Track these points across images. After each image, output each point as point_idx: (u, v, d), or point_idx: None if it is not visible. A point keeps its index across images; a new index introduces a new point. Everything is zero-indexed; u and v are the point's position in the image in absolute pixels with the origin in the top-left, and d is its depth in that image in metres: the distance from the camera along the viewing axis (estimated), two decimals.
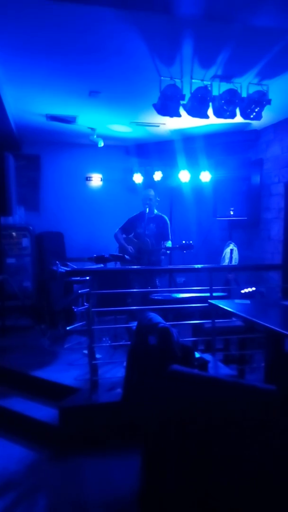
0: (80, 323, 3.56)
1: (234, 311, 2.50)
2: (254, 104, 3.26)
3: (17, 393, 3.45)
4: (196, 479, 1.61)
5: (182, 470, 1.67)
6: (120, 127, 4.91)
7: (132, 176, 5.84)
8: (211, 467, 1.59)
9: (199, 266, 3.88)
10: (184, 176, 5.54)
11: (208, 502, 1.60)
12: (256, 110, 3.30)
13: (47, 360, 3.88)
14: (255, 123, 4.64)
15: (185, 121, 4.31)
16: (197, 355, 2.83)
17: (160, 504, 1.70)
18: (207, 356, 3.31)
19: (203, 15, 2.16)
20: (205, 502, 1.60)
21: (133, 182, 5.84)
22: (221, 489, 1.58)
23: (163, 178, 5.81)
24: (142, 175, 5.83)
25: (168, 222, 4.85)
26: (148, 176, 5.81)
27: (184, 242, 4.33)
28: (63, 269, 3.81)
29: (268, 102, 3.26)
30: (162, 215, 4.86)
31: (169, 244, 4.68)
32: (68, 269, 3.74)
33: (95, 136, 4.86)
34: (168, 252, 4.78)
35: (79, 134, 5.14)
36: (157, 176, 5.79)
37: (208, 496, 1.60)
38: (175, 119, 3.97)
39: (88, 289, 3.37)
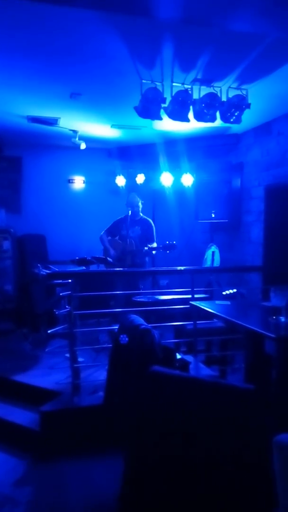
0: (62, 326, 3.53)
1: (215, 311, 2.53)
2: (234, 108, 3.31)
3: None
4: (177, 479, 1.61)
5: (163, 471, 1.67)
6: (102, 129, 4.91)
7: (114, 178, 5.84)
8: (191, 467, 1.60)
9: (182, 268, 3.90)
10: (166, 179, 5.56)
11: (189, 503, 1.61)
12: (236, 114, 3.35)
13: (29, 364, 3.83)
14: (236, 127, 4.71)
15: (166, 124, 4.34)
16: (178, 356, 2.84)
17: (141, 507, 1.69)
18: (189, 358, 3.33)
19: (182, 19, 2.19)
20: (186, 503, 1.61)
21: (116, 184, 5.84)
22: (202, 490, 1.59)
23: (145, 180, 5.83)
24: (125, 177, 5.84)
25: (153, 225, 4.87)
26: (130, 179, 5.82)
27: (167, 242, 4.35)
28: (44, 271, 3.78)
29: (248, 106, 3.32)
30: (147, 218, 4.88)
31: (154, 245, 4.69)
32: (49, 271, 3.70)
33: (77, 139, 4.84)
34: (154, 252, 4.78)
35: (61, 136, 5.11)
36: (140, 178, 5.80)
37: (190, 497, 1.61)
38: (156, 122, 4.01)
39: (70, 292, 3.35)
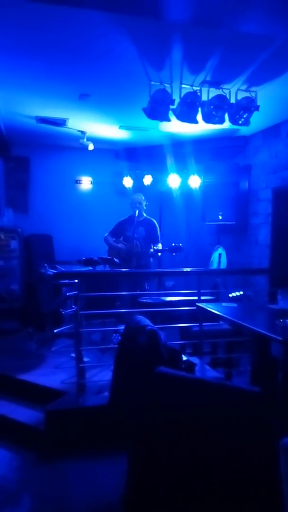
0: (68, 326, 3.54)
1: (221, 314, 2.52)
2: (242, 110, 3.31)
3: (3, 397, 3.40)
4: (182, 480, 1.61)
5: (168, 472, 1.67)
6: (110, 130, 4.93)
7: (122, 179, 5.85)
8: (197, 468, 1.60)
9: (188, 269, 3.90)
10: (173, 180, 5.57)
11: (193, 503, 1.61)
12: (245, 116, 3.35)
13: (34, 363, 3.85)
14: (244, 129, 4.70)
15: (174, 126, 4.35)
16: (184, 358, 2.84)
17: (145, 506, 1.69)
18: (195, 359, 3.32)
19: (191, 20, 2.19)
20: (191, 503, 1.60)
21: (123, 185, 5.85)
22: (207, 491, 1.58)
23: (153, 182, 5.83)
24: (132, 179, 5.85)
25: (157, 225, 4.87)
26: (138, 180, 5.83)
27: (173, 244, 4.35)
28: (51, 271, 3.79)
29: (257, 108, 3.31)
30: (151, 218, 4.88)
31: (159, 246, 4.70)
32: (56, 271, 3.72)
33: (85, 139, 4.86)
34: (159, 254, 4.79)
35: (69, 137, 5.14)
36: (147, 180, 5.81)
37: (194, 498, 1.61)
38: (164, 123, 4.01)
39: (76, 292, 3.36)
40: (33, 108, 4.14)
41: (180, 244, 4.33)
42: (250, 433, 1.51)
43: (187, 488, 1.60)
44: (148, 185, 5.80)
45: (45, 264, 4.16)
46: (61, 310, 3.54)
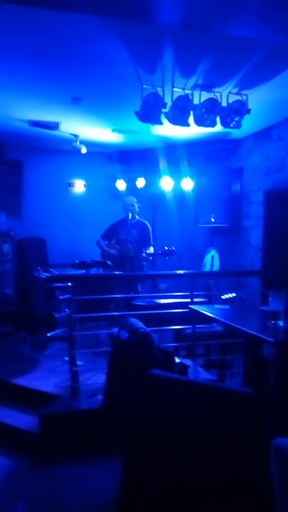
0: (61, 329, 3.54)
1: (214, 315, 2.53)
2: (234, 113, 3.34)
3: None
4: (175, 482, 1.61)
5: (161, 475, 1.67)
6: (102, 133, 4.94)
7: (115, 182, 5.86)
8: (190, 470, 1.60)
9: (181, 272, 3.91)
10: (166, 183, 5.59)
11: (187, 505, 1.61)
12: (236, 119, 3.38)
13: (27, 367, 3.83)
14: (236, 132, 4.74)
15: (167, 129, 4.37)
16: (177, 360, 2.84)
17: (138, 509, 1.69)
18: (188, 362, 3.34)
19: (182, 24, 2.22)
20: (184, 506, 1.61)
21: (116, 188, 5.86)
22: (200, 492, 1.59)
23: (146, 185, 5.85)
24: (125, 181, 5.86)
25: (150, 227, 4.88)
26: (131, 183, 5.84)
27: (166, 248, 4.36)
28: (44, 275, 3.78)
29: (248, 111, 3.34)
30: (144, 221, 4.89)
31: (151, 249, 4.71)
32: (49, 275, 3.71)
33: (77, 143, 4.87)
34: (150, 258, 4.81)
35: (62, 141, 5.14)
36: (140, 183, 5.83)
37: (188, 500, 1.61)
38: (157, 126, 4.03)
39: (69, 295, 3.36)
40: (25, 111, 4.14)
41: (173, 248, 4.35)
42: (242, 434, 1.52)
43: (181, 490, 1.61)
44: (141, 188, 5.82)
45: (39, 268, 4.16)
46: (54, 313, 3.53)
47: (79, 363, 3.50)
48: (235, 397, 1.54)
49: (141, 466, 1.75)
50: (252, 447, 1.49)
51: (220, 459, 1.54)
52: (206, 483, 1.56)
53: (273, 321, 2.23)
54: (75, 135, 4.86)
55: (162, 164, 5.51)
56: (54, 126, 4.55)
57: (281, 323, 2.21)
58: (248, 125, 4.30)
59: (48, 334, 3.50)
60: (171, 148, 5.36)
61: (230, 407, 1.54)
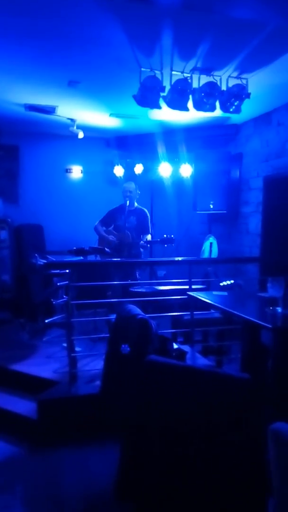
0: (59, 316, 3.54)
1: (212, 302, 2.53)
2: (233, 98, 3.28)
3: None
4: (173, 466, 1.63)
5: (159, 459, 1.69)
6: (100, 118, 4.87)
7: (112, 168, 5.80)
8: (187, 454, 1.62)
9: (179, 258, 3.90)
10: (165, 169, 5.54)
11: (184, 489, 1.63)
12: (236, 103, 3.32)
13: (26, 353, 3.85)
14: (235, 117, 4.67)
15: (165, 114, 4.30)
16: (175, 346, 2.86)
17: (136, 493, 1.71)
18: (186, 348, 3.35)
19: (181, 5, 2.15)
20: (182, 490, 1.63)
21: (114, 174, 5.81)
22: (197, 476, 1.60)
23: (144, 171, 5.79)
24: (123, 167, 5.80)
25: (148, 215, 4.86)
26: (129, 169, 5.78)
27: (165, 236, 4.34)
28: (42, 261, 3.77)
29: (248, 95, 3.28)
30: (143, 208, 4.86)
31: (149, 237, 4.69)
32: (46, 261, 3.69)
33: (75, 127, 4.80)
34: (148, 246, 4.79)
35: (58, 125, 5.06)
36: (138, 169, 5.77)
37: (185, 483, 1.63)
38: (155, 111, 3.97)
39: (67, 282, 3.35)
40: (21, 95, 4.06)
41: (172, 236, 4.33)
42: (240, 419, 1.53)
43: (178, 474, 1.62)
44: (139, 174, 5.76)
45: (36, 255, 4.14)
46: (52, 300, 3.53)
47: (77, 349, 3.51)
48: (232, 382, 1.55)
49: (139, 451, 1.76)
50: (250, 432, 1.50)
51: (218, 444, 1.55)
52: (204, 467, 1.57)
53: (271, 307, 2.23)
54: (72, 120, 4.79)
55: (161, 149, 5.45)
56: (50, 110, 4.47)
57: (279, 309, 2.21)
58: (248, 110, 4.24)
59: (46, 321, 3.50)
60: (170, 134, 5.29)
61: (228, 392, 1.55)
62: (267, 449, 1.23)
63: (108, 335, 3.35)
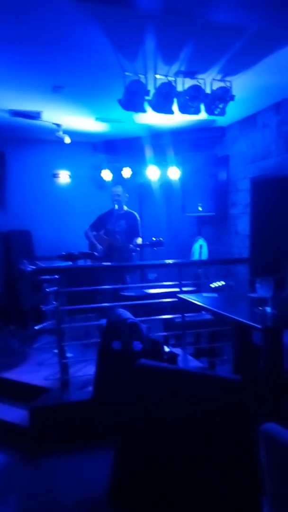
0: (50, 322, 3.51)
1: (202, 304, 2.54)
2: (218, 100, 3.31)
3: None
4: (164, 470, 1.62)
5: (152, 463, 1.68)
6: (86, 123, 4.87)
7: (100, 172, 5.80)
8: (179, 458, 1.61)
9: (169, 261, 3.91)
10: (152, 172, 5.55)
11: (179, 494, 1.62)
12: (220, 106, 3.35)
13: (17, 361, 3.80)
14: (221, 120, 4.71)
15: (151, 117, 4.32)
16: (167, 349, 2.85)
17: (130, 498, 1.70)
18: (178, 350, 3.35)
19: (162, 9, 2.16)
20: (175, 493, 1.62)
21: (102, 178, 5.80)
22: (190, 480, 1.60)
23: (132, 174, 5.81)
24: (111, 171, 5.80)
25: (138, 218, 4.86)
26: (116, 173, 5.78)
27: (154, 239, 4.34)
28: (30, 268, 3.73)
29: (232, 98, 3.31)
30: (132, 211, 4.86)
31: (139, 240, 4.69)
32: (35, 267, 3.66)
33: (61, 132, 4.78)
34: (138, 249, 4.79)
35: (44, 130, 5.05)
36: (126, 172, 5.78)
37: (179, 487, 1.62)
38: (141, 115, 3.97)
39: (56, 288, 3.33)
40: (5, 101, 4.04)
41: (161, 239, 4.33)
42: (232, 420, 1.53)
43: (172, 477, 1.62)
44: (127, 177, 5.77)
45: (25, 261, 4.10)
46: (41, 306, 3.50)
47: (69, 355, 3.48)
48: (223, 384, 1.55)
49: (132, 456, 1.75)
50: (242, 433, 1.50)
51: (210, 446, 1.55)
52: (197, 470, 1.57)
53: (260, 308, 2.24)
54: (58, 125, 4.77)
55: (148, 153, 5.46)
56: (36, 115, 4.46)
57: (268, 309, 2.22)
58: (233, 112, 4.27)
59: (36, 327, 3.47)
60: (157, 137, 5.31)
61: (219, 394, 1.55)
62: (259, 450, 1.23)
63: (99, 340, 3.33)
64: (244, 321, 2.08)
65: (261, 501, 1.42)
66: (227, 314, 2.26)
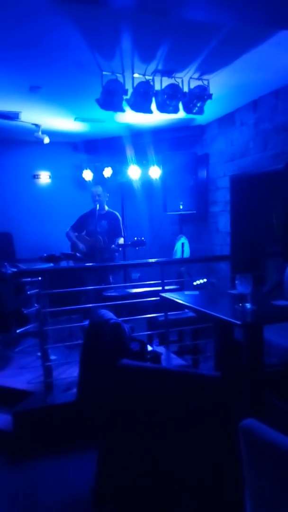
0: (32, 325, 3.47)
1: (184, 302, 2.55)
2: (196, 99, 3.32)
3: None
4: (147, 469, 1.62)
5: (134, 462, 1.68)
6: (65, 123, 4.83)
7: (81, 173, 5.77)
8: (162, 456, 1.62)
9: (152, 260, 3.91)
10: (133, 172, 5.55)
11: (163, 492, 1.62)
12: (198, 105, 3.37)
13: None
14: (200, 118, 4.73)
15: (130, 117, 4.31)
16: (150, 348, 2.85)
17: (114, 499, 1.70)
18: (161, 349, 3.36)
19: (136, 7, 2.16)
20: (158, 491, 1.62)
21: (83, 179, 5.77)
22: (173, 477, 1.60)
23: (113, 174, 5.79)
24: (92, 171, 5.78)
25: (120, 218, 4.85)
26: (98, 173, 5.76)
27: (136, 238, 4.35)
28: (11, 270, 3.68)
29: (209, 96, 3.33)
30: (114, 211, 4.85)
31: (121, 240, 4.68)
32: (16, 270, 3.61)
33: (40, 133, 4.73)
34: (120, 249, 4.79)
35: (23, 131, 4.99)
36: (107, 172, 5.76)
37: (161, 485, 1.62)
38: (120, 114, 3.97)
39: (37, 290, 3.29)
40: None
41: (143, 238, 4.34)
42: (212, 417, 1.54)
43: (154, 476, 1.62)
44: (108, 177, 5.75)
45: (5, 263, 4.04)
46: (23, 309, 3.45)
47: (52, 357, 3.45)
48: (203, 381, 1.56)
49: (115, 456, 1.75)
50: (222, 429, 1.52)
51: (191, 443, 1.56)
52: (179, 467, 1.57)
53: (240, 304, 2.26)
54: (37, 125, 4.72)
55: (129, 152, 5.46)
56: (14, 116, 4.40)
57: (248, 305, 2.25)
58: (212, 110, 4.30)
59: (18, 331, 3.42)
60: (137, 136, 5.30)
61: (199, 391, 1.56)
62: (239, 446, 1.25)
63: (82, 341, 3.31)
64: (224, 317, 2.10)
65: (242, 496, 1.43)
66: (208, 312, 2.27)
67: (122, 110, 3.28)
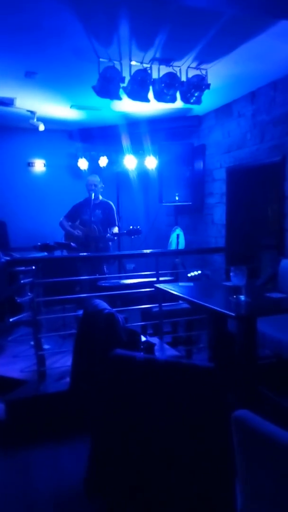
0: (25, 314, 3.46)
1: (178, 293, 2.55)
2: (193, 89, 3.28)
3: None
4: (139, 459, 1.63)
5: (126, 452, 1.69)
6: (61, 110, 4.76)
7: (77, 161, 5.71)
8: (154, 446, 1.62)
9: (147, 251, 3.90)
10: (129, 161, 5.50)
11: (155, 483, 1.64)
12: (196, 94, 3.33)
13: None
14: (197, 109, 4.69)
15: (127, 105, 4.26)
16: (143, 339, 2.86)
17: (106, 488, 1.71)
18: (155, 340, 3.37)
19: None
20: (149, 481, 1.63)
21: (78, 167, 5.72)
22: (165, 467, 1.62)
23: (108, 163, 5.74)
24: (87, 160, 5.72)
25: (114, 207, 4.82)
26: (93, 162, 5.71)
27: (131, 227, 4.33)
28: (5, 259, 3.66)
29: (207, 86, 3.30)
30: (108, 201, 4.82)
31: (116, 229, 4.66)
32: (9, 258, 3.59)
33: (35, 120, 4.66)
34: (115, 238, 4.77)
35: (18, 118, 4.90)
36: (103, 161, 5.71)
37: (153, 475, 1.64)
38: (117, 102, 3.92)
39: (31, 279, 3.28)
40: None
41: (138, 227, 4.32)
42: (205, 408, 1.55)
43: (147, 467, 1.63)
44: (103, 166, 5.70)
45: None
46: (16, 298, 3.44)
47: (46, 346, 3.45)
48: (196, 372, 1.56)
49: (107, 446, 1.76)
50: (215, 419, 1.52)
51: (184, 434, 1.57)
52: (172, 458, 1.59)
53: (235, 296, 2.27)
54: (32, 112, 4.65)
55: (125, 142, 5.41)
56: (8, 102, 4.32)
57: (242, 297, 2.25)
58: (209, 101, 4.26)
59: (11, 320, 3.41)
60: (134, 125, 5.25)
61: (193, 382, 1.56)
62: (232, 436, 1.25)
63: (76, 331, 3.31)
64: (218, 309, 2.10)
65: (234, 486, 1.45)
66: (202, 303, 2.27)
67: (119, 98, 3.24)
